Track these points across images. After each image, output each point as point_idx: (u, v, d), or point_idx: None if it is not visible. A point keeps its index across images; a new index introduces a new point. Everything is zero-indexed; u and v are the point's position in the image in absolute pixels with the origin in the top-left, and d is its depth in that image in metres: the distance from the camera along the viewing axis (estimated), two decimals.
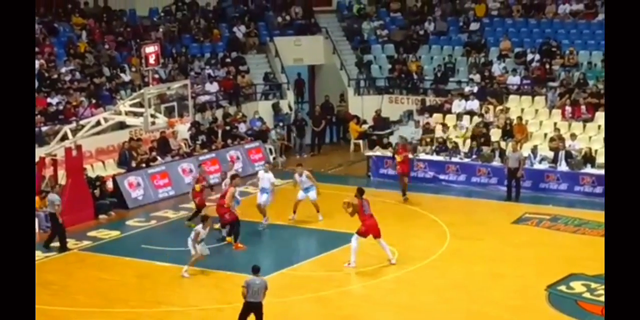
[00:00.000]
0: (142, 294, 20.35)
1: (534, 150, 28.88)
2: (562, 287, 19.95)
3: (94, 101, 30.29)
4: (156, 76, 31.13)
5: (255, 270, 17.09)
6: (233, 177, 24.19)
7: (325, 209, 25.57)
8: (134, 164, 28.71)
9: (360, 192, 22.00)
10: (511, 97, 33.23)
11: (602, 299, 17.49)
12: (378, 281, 20.91)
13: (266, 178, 25.05)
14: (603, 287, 17.98)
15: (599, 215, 23.08)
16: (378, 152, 31.19)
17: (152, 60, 26.33)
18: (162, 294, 20.30)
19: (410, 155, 28.60)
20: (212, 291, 20.41)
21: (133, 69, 33.12)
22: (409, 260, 21.74)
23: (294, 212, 25.43)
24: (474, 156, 29.54)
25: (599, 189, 26.52)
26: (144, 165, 28.80)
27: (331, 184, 29.51)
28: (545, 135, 30.59)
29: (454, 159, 29.47)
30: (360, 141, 34.59)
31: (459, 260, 21.98)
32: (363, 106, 36.13)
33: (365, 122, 35.22)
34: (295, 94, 37.50)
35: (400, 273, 21.32)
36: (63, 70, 31.81)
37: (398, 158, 27.74)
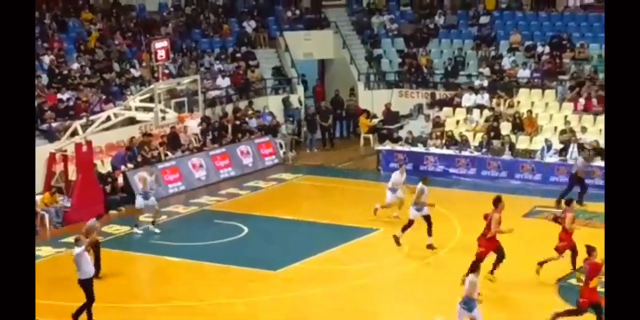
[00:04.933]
0: (154, 289, 20.41)
1: (548, 143, 28.82)
2: (573, 280, 19.89)
3: (104, 97, 30.32)
4: (166, 71, 31.16)
5: None
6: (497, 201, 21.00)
7: (336, 204, 25.81)
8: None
9: None
10: (521, 90, 33.14)
11: None
12: (388, 275, 20.90)
13: (403, 180, 24.70)
14: None
15: None
16: (388, 146, 31.15)
17: (162, 55, 26.39)
18: (173, 289, 20.30)
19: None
20: (224, 286, 20.38)
21: (143, 64, 33.12)
22: (420, 254, 21.69)
23: None
24: (484, 150, 29.52)
25: None
26: (154, 160, 28.79)
27: (342, 178, 29.55)
28: (556, 128, 30.52)
29: (464, 153, 29.44)
30: (371, 135, 34.54)
31: (469, 254, 21.87)
32: (373, 100, 36.07)
33: (375, 116, 35.18)
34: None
35: (409, 267, 21.34)
36: (73, 66, 31.85)
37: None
